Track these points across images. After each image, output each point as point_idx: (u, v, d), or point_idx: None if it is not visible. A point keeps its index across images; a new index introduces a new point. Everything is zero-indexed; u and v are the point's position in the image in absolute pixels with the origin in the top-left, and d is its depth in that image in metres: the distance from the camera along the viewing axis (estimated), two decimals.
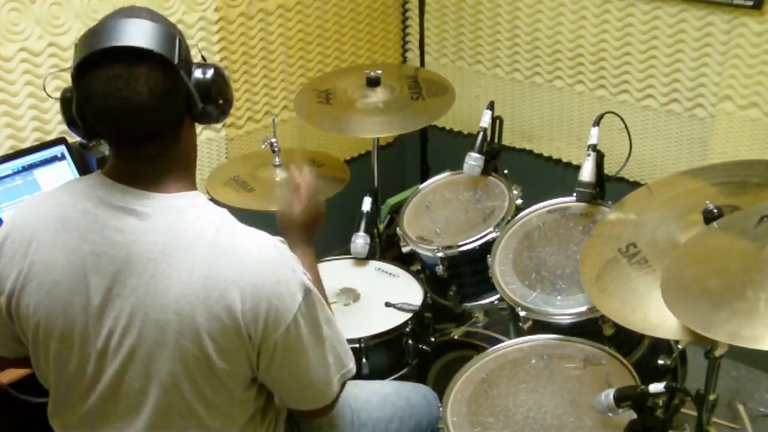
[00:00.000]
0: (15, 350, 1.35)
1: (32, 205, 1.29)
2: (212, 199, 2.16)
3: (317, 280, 1.48)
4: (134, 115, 1.14)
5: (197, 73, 1.20)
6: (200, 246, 1.17)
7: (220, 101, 1.22)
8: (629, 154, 2.15)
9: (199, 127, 1.86)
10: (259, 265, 1.18)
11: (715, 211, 1.56)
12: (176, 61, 1.14)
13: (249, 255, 1.18)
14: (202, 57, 1.27)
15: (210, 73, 1.20)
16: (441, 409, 1.64)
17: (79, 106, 1.19)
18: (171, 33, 1.16)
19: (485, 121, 2.27)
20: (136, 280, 1.17)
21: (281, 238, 1.26)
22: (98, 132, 1.20)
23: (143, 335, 1.18)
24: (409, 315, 2.01)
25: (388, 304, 2.06)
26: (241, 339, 1.18)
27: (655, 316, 1.48)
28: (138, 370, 1.20)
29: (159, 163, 1.21)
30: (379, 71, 2.44)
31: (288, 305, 1.19)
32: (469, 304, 2.17)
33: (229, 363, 1.19)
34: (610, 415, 1.44)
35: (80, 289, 1.20)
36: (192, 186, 1.26)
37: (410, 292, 2.12)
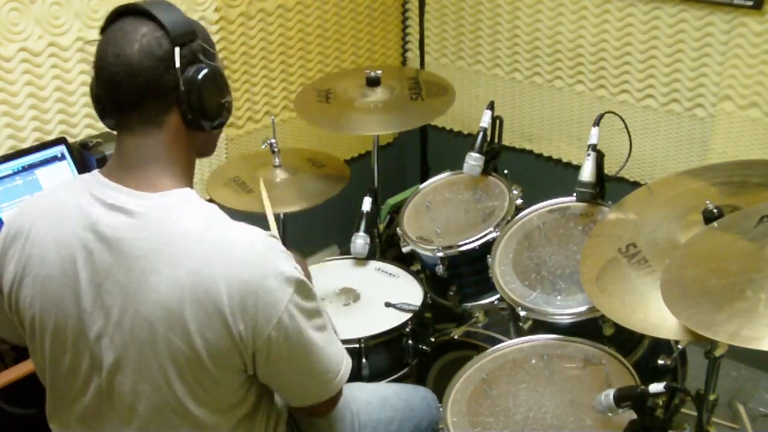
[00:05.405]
0: (21, 337, 1.36)
1: (33, 202, 1.31)
2: (211, 200, 2.17)
3: None
4: (119, 69, 1.17)
5: (192, 69, 1.20)
6: (189, 240, 1.17)
7: (203, 103, 1.22)
8: (629, 154, 2.15)
9: None
10: (248, 258, 1.18)
11: (715, 211, 1.56)
12: (173, 36, 1.17)
13: (237, 249, 1.18)
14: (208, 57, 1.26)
15: (201, 72, 1.21)
16: (441, 410, 1.64)
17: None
18: (188, 24, 1.21)
19: (485, 121, 2.27)
20: (125, 276, 1.17)
21: (272, 233, 1.26)
22: (99, 100, 1.25)
23: (134, 332, 1.18)
24: (409, 315, 2.01)
25: (388, 304, 2.06)
26: (231, 336, 1.17)
27: (655, 316, 1.48)
28: (130, 368, 1.20)
29: (146, 154, 1.22)
30: (379, 71, 2.44)
31: (278, 298, 1.18)
32: (469, 304, 2.17)
33: (219, 361, 1.19)
34: (610, 415, 1.44)
35: (71, 285, 1.21)
36: (184, 185, 1.25)
37: (410, 292, 2.12)
